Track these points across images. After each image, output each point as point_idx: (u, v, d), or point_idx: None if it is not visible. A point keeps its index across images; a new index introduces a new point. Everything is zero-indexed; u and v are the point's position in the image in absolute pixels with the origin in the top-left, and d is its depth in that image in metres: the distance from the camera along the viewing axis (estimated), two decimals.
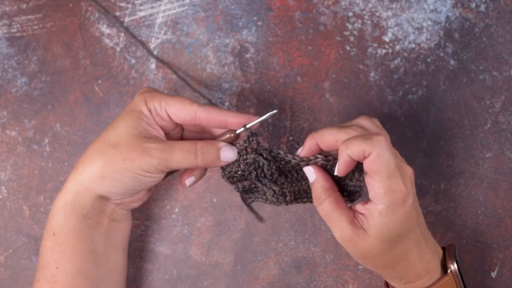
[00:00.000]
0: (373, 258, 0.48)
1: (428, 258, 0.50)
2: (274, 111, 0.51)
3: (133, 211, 0.61)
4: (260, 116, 0.50)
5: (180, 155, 0.48)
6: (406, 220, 0.47)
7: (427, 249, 0.50)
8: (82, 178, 0.49)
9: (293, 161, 0.50)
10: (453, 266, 0.51)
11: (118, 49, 0.61)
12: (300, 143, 0.60)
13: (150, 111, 0.50)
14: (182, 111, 0.50)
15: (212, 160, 0.50)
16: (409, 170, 0.48)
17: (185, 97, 0.51)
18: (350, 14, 0.60)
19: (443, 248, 0.52)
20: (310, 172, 0.49)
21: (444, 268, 0.51)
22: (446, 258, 0.51)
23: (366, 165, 0.46)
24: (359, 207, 0.48)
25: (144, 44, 0.59)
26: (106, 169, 0.48)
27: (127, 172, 0.48)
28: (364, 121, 0.50)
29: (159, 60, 0.60)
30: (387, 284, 0.54)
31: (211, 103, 0.60)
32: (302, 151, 0.50)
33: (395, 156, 0.46)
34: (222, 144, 0.50)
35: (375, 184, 0.46)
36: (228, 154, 0.50)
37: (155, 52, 0.60)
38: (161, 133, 0.51)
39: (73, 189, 0.49)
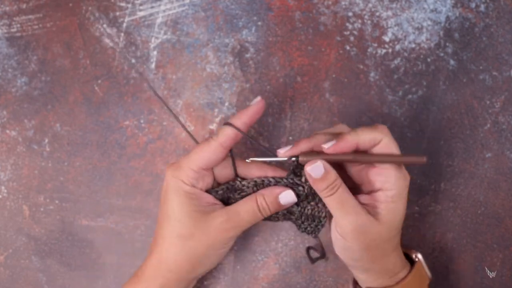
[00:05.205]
0: (376, 248, 0.48)
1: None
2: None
3: (133, 211, 0.61)
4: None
5: (248, 218, 0.50)
6: (405, 207, 0.48)
7: None
8: (171, 273, 0.50)
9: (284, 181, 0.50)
10: (419, 255, 0.53)
11: (118, 49, 0.61)
12: None
13: (192, 184, 0.49)
14: (210, 159, 0.49)
15: (275, 208, 0.50)
16: None
17: (202, 144, 0.49)
18: (350, 14, 0.60)
19: None
20: (319, 166, 0.47)
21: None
22: (406, 251, 0.54)
23: (376, 152, 0.47)
24: (363, 198, 0.49)
25: (142, 75, 0.59)
26: (195, 262, 0.49)
27: (212, 256, 0.50)
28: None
29: (157, 95, 0.60)
30: (355, 284, 0.54)
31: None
32: (337, 145, 0.47)
33: None
34: (278, 190, 0.50)
35: (385, 172, 0.47)
36: (288, 198, 0.50)
37: (155, 52, 0.61)
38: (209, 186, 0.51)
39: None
